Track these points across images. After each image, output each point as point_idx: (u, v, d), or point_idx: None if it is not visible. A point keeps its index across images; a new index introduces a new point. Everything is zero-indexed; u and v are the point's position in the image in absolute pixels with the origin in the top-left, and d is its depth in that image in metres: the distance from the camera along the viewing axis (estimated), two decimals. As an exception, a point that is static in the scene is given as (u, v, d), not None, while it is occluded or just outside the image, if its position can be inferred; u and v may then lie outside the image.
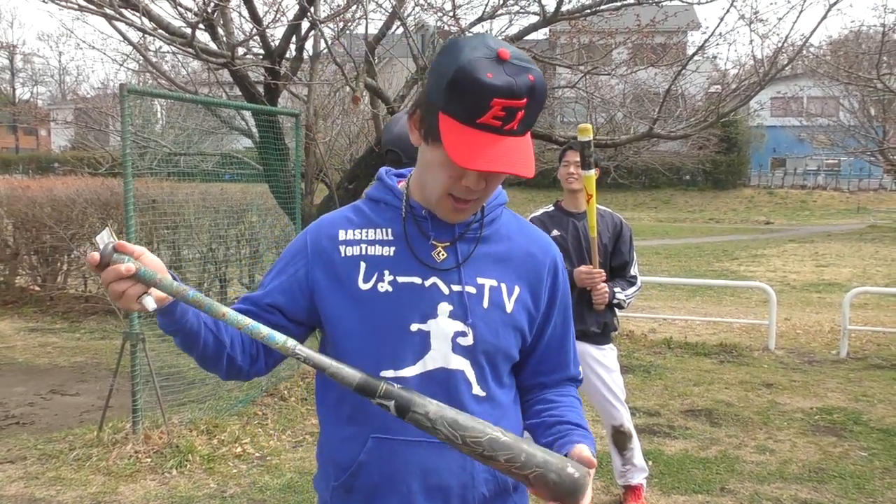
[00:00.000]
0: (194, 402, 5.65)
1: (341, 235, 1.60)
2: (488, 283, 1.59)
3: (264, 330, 1.35)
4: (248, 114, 8.93)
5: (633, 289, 4.17)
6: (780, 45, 8.30)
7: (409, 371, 1.53)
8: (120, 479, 4.54)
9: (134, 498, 4.32)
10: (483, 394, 1.57)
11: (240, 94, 7.56)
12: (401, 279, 1.54)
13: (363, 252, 1.57)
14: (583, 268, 3.96)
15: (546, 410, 1.66)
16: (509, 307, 1.60)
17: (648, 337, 8.64)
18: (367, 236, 1.60)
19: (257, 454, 4.98)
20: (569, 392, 1.72)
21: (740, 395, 6.47)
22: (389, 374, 1.51)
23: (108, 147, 16.83)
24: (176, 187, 9.19)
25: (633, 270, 4.22)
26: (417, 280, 1.55)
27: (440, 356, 1.54)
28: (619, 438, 4.20)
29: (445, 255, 1.58)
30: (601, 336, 4.10)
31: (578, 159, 3.99)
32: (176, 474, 4.63)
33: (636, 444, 4.24)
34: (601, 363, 4.11)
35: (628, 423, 4.20)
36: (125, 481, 4.52)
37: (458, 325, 1.54)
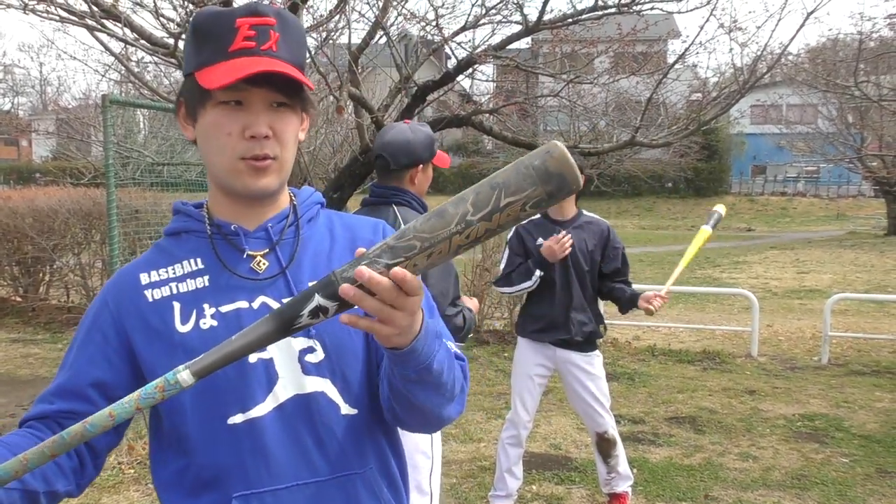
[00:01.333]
0: (178, 414, 5.63)
1: (143, 279, 1.38)
2: None
3: (138, 392, 1.03)
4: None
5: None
6: (759, 53, 8.40)
7: (261, 409, 1.30)
8: (103, 491, 4.51)
9: (118, 511, 4.30)
10: (355, 411, 1.36)
11: (223, 103, 7.53)
12: (224, 308, 1.33)
13: (174, 291, 1.36)
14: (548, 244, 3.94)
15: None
16: None
17: (632, 344, 8.68)
18: (174, 273, 1.38)
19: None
20: None
21: (723, 402, 6.51)
22: (239, 419, 1.29)
23: (91, 157, 16.75)
24: (159, 197, 9.15)
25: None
26: (244, 304, 1.34)
27: (291, 382, 1.32)
28: (604, 445, 4.22)
29: (266, 262, 1.38)
30: (585, 344, 4.12)
31: None
32: (160, 486, 4.60)
33: (621, 452, 4.26)
34: (585, 370, 4.13)
35: (613, 430, 4.22)
36: (108, 493, 4.50)
37: (302, 342, 1.34)
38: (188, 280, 1.37)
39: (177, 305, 1.34)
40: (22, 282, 10.57)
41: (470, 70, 8.43)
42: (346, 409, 1.36)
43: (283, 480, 1.30)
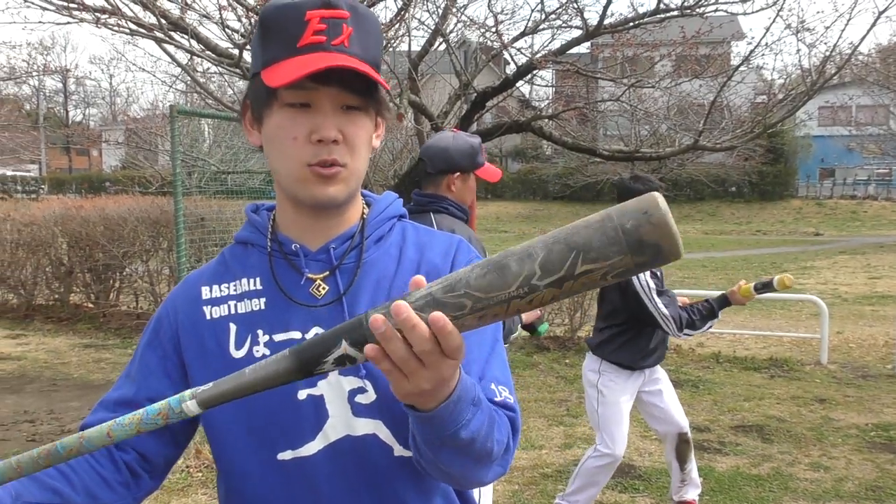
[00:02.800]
0: (243, 418, 5.73)
1: (205, 293, 1.31)
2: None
3: (140, 413, 0.94)
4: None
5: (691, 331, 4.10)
6: (827, 53, 8.20)
7: (311, 447, 1.22)
8: (172, 493, 4.61)
9: (186, 512, 4.39)
10: (409, 453, 1.19)
11: (286, 112, 7.66)
12: (278, 338, 1.24)
13: (232, 311, 1.28)
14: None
15: None
16: None
17: (696, 351, 8.53)
18: (234, 290, 1.30)
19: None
20: None
21: (792, 410, 6.35)
22: (287, 455, 1.22)
23: (158, 166, 17.22)
24: (224, 205, 9.35)
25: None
26: (297, 335, 1.24)
27: (341, 423, 1.22)
28: (684, 448, 4.14)
29: (326, 287, 1.27)
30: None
31: None
32: (226, 489, 4.68)
33: (693, 458, 4.21)
34: (660, 378, 4.10)
35: (689, 433, 4.18)
36: (177, 495, 4.59)
37: (353, 381, 1.23)
38: (246, 300, 1.28)
39: (233, 328, 1.27)
40: (93, 288, 10.89)
41: (529, 76, 8.42)
42: (399, 450, 1.23)
43: None
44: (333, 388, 1.23)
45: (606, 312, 4.05)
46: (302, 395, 1.22)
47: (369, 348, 0.90)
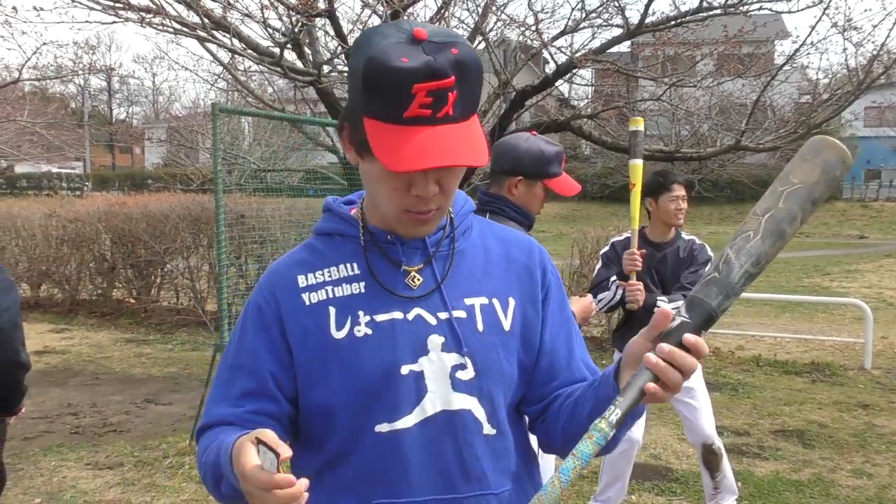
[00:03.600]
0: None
1: (301, 281, 1.38)
2: (478, 302, 1.38)
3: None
4: (332, 130, 9.11)
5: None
6: (875, 52, 8.04)
7: (407, 421, 1.31)
8: (200, 483, 4.65)
9: (224, 506, 4.43)
10: (494, 431, 1.36)
11: (325, 110, 7.72)
12: (379, 317, 1.33)
13: (330, 295, 1.35)
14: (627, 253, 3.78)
15: (567, 396, 1.41)
16: (507, 324, 1.39)
17: (736, 354, 8.42)
18: (330, 276, 1.37)
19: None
20: None
21: (834, 415, 6.23)
22: (385, 428, 1.30)
23: (198, 164, 17.44)
24: (263, 202, 9.44)
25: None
26: (399, 315, 1.33)
27: (440, 397, 1.32)
28: (711, 458, 4.08)
29: (421, 279, 1.37)
30: None
31: (684, 192, 3.92)
32: (263, 484, 4.72)
33: (727, 466, 4.12)
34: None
35: (718, 441, 4.09)
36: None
37: (455, 358, 1.33)
38: (344, 285, 1.36)
39: (332, 310, 1.34)
40: (135, 284, 11.07)
41: (569, 75, 8.37)
42: (487, 429, 1.35)
43: (422, 493, 1.30)
44: (434, 365, 1.32)
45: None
46: (405, 370, 1.31)
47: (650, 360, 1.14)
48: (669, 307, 1.18)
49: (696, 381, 4.04)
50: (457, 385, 1.32)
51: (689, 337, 1.13)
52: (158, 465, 5.01)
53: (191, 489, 4.64)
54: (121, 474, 4.91)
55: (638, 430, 4.04)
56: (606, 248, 4.15)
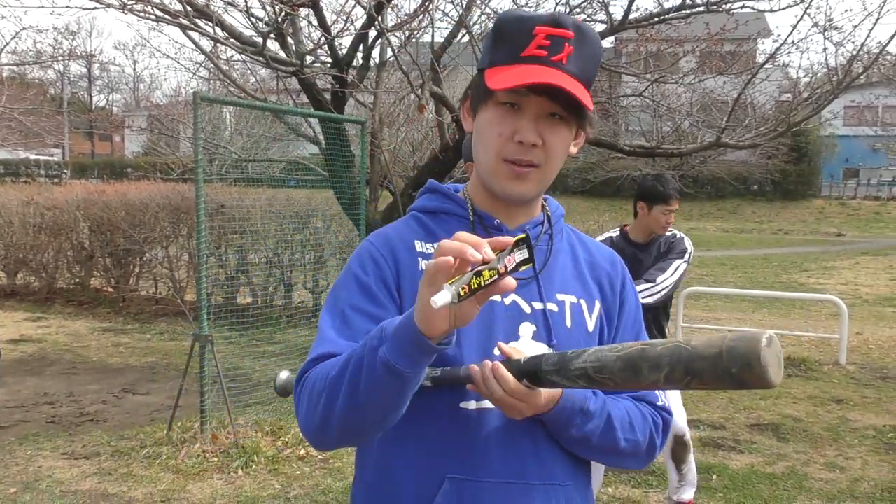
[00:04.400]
0: (260, 404, 5.77)
1: (418, 247, 1.40)
2: (568, 299, 1.42)
3: None
4: (314, 121, 9.10)
5: (647, 286, 3.85)
6: (855, 52, 8.10)
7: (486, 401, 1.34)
8: (188, 478, 4.65)
9: (201, 496, 4.43)
10: None
11: (307, 101, 7.70)
12: None
13: None
14: None
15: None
16: (591, 325, 1.44)
17: (714, 349, 8.49)
18: None
19: (320, 456, 5.05)
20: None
21: (809, 410, 6.31)
22: (471, 405, 1.33)
23: (179, 153, 17.29)
24: (244, 193, 9.42)
25: (660, 276, 3.86)
26: (497, 298, 1.33)
27: None
28: (679, 450, 4.11)
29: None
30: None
31: (677, 206, 3.95)
32: (242, 474, 4.73)
33: (692, 459, 4.17)
34: None
35: (689, 433, 4.13)
36: (193, 479, 4.64)
37: (542, 348, 1.36)
38: None
39: None
40: (114, 273, 10.99)
41: (552, 69, 8.36)
42: None
43: (496, 475, 1.32)
44: (528, 352, 1.33)
45: None
46: (496, 352, 1.32)
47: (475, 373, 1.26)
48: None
49: None
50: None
51: (495, 364, 1.24)
52: (135, 455, 4.99)
53: (168, 479, 4.63)
54: (97, 464, 4.89)
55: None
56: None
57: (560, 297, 1.42)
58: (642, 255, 3.99)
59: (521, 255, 1.07)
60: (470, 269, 1.04)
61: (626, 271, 1.56)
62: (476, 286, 1.03)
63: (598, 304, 1.47)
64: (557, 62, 1.28)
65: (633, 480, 4.75)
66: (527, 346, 1.36)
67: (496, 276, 1.04)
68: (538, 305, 1.39)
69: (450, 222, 1.44)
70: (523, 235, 1.08)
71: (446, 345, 1.13)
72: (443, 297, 1.01)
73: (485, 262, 1.04)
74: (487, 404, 1.32)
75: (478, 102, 1.37)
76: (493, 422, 1.33)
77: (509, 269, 1.06)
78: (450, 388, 1.32)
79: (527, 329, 1.37)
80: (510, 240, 1.07)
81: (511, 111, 1.31)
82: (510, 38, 1.30)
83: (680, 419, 4.06)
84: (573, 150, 1.42)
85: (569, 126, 1.35)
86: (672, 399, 4.02)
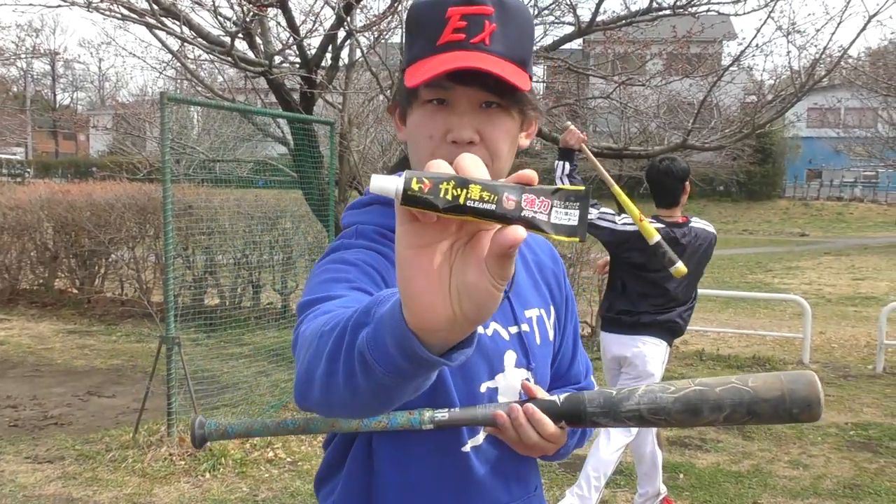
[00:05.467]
0: (227, 407, 5.73)
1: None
2: (534, 314, 1.35)
3: (385, 421, 1.17)
4: (283, 121, 9.05)
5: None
6: (817, 56, 8.24)
7: (479, 438, 1.29)
8: (155, 481, 4.61)
9: (168, 500, 4.39)
10: None
11: (276, 101, 7.66)
12: None
13: None
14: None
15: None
16: (551, 334, 1.39)
17: (680, 348, 8.57)
18: None
19: (289, 459, 5.03)
20: None
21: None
22: (466, 448, 1.28)
23: (146, 152, 17.13)
24: (211, 193, 9.33)
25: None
26: (480, 329, 0.96)
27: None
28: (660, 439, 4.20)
29: None
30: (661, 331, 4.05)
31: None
32: (209, 477, 4.69)
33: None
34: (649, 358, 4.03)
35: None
36: (160, 483, 4.59)
37: (523, 373, 1.30)
38: None
39: None
40: (78, 274, 10.83)
41: (521, 70, 8.40)
42: None
43: (487, 502, 1.30)
44: (508, 381, 1.29)
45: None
46: (483, 388, 1.26)
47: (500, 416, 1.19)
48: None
49: (657, 371, 4.10)
50: (522, 398, 1.28)
51: (530, 407, 1.18)
52: (101, 459, 4.93)
53: (134, 483, 4.58)
54: (62, 468, 4.82)
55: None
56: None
57: (528, 313, 1.34)
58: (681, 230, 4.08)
59: (562, 212, 0.73)
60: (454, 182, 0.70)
61: (562, 263, 1.50)
62: (452, 197, 0.69)
63: (552, 310, 1.41)
64: (479, 44, 1.12)
65: (601, 480, 4.78)
66: (512, 375, 1.29)
67: (493, 209, 0.70)
68: (514, 329, 1.31)
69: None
70: (581, 188, 0.74)
71: (465, 348, 0.79)
72: (385, 182, 0.71)
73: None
74: (476, 441, 1.27)
75: (405, 107, 1.23)
76: (480, 458, 1.28)
77: (524, 214, 0.71)
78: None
79: (510, 357, 1.29)
80: (546, 188, 0.73)
81: (439, 109, 1.16)
82: (424, 29, 1.15)
83: None
84: (524, 141, 1.26)
85: (510, 114, 1.18)
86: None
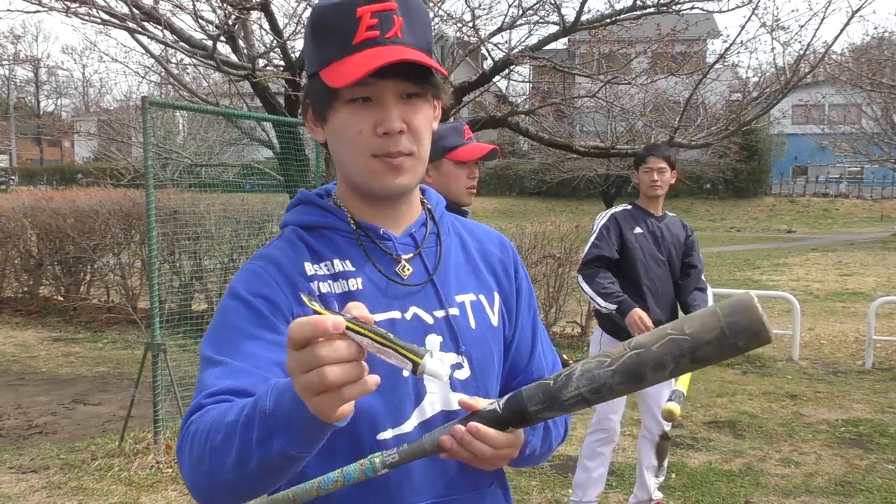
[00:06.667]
0: (215, 413, 5.67)
1: (309, 269, 1.28)
2: (468, 298, 1.35)
3: (319, 480, 1.05)
4: (268, 125, 9.00)
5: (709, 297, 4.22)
6: (802, 52, 8.26)
7: (409, 424, 1.26)
8: (141, 490, 4.55)
9: (155, 509, 4.34)
10: None
11: (261, 105, 7.61)
12: (379, 317, 1.25)
13: (333, 289, 1.27)
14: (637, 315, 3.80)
15: None
16: (494, 320, 1.38)
17: (670, 347, 8.58)
18: (328, 270, 1.29)
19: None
20: None
21: (764, 406, 6.40)
22: (388, 434, 1.25)
23: (131, 158, 17.04)
24: (197, 198, 9.25)
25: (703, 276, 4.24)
26: (397, 314, 1.27)
27: (439, 398, 1.29)
28: (664, 446, 4.15)
29: (411, 269, 1.32)
30: None
31: (663, 165, 3.97)
32: (197, 485, 4.63)
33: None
34: None
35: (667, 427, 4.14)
36: (146, 491, 4.54)
37: (453, 357, 1.30)
38: (342, 280, 1.28)
39: (336, 307, 1.24)
40: (63, 281, 10.75)
41: (506, 71, 8.40)
42: None
43: (423, 497, 1.27)
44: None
45: None
46: (405, 373, 1.22)
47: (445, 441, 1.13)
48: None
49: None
50: (454, 385, 1.30)
51: (473, 426, 1.12)
52: (86, 468, 4.86)
53: (120, 492, 4.52)
54: (46, 478, 4.75)
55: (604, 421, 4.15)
56: (604, 218, 4.10)
57: (459, 298, 1.34)
58: (661, 228, 4.07)
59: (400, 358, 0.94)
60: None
61: (517, 255, 1.49)
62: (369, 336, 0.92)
63: (496, 296, 1.40)
64: (393, 38, 1.19)
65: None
66: (437, 354, 1.27)
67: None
68: (440, 313, 1.31)
69: (334, 239, 1.32)
70: (411, 362, 0.95)
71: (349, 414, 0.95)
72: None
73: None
74: (403, 429, 1.25)
75: (324, 109, 1.26)
76: (411, 440, 1.24)
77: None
78: (361, 420, 1.21)
79: (433, 341, 1.29)
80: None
81: (364, 106, 1.22)
82: (334, 29, 1.20)
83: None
84: (435, 124, 1.33)
85: (428, 101, 1.27)
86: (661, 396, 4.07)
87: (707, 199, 37.76)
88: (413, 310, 1.29)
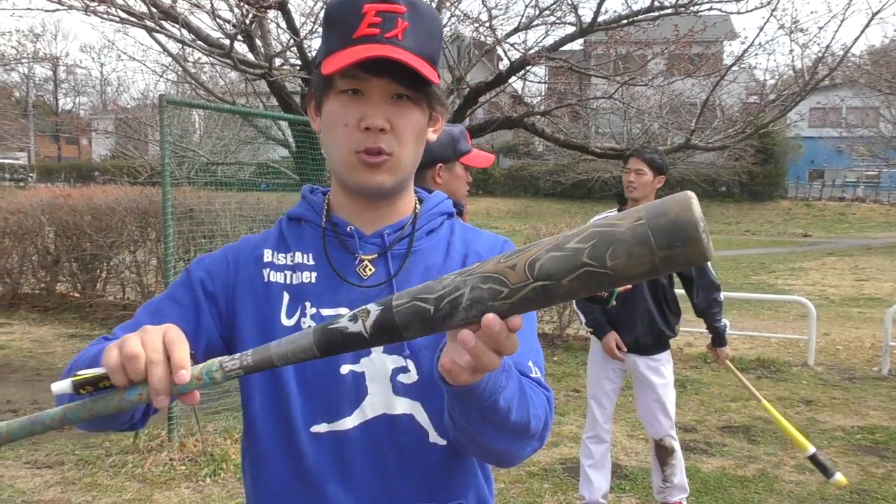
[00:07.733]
0: (229, 411, 5.68)
1: (267, 256, 1.34)
2: None
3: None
4: (284, 124, 9.02)
5: (721, 307, 4.46)
6: (820, 54, 8.20)
7: (347, 423, 1.25)
8: (155, 487, 4.57)
9: (168, 506, 4.35)
10: (444, 442, 1.27)
11: (277, 104, 7.64)
12: (325, 311, 1.27)
13: (287, 280, 1.31)
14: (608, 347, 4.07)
15: None
16: None
17: (684, 351, 8.53)
18: (289, 261, 1.33)
19: (290, 464, 4.99)
20: None
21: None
22: (322, 428, 1.25)
23: (147, 156, 17.13)
24: (213, 196, 9.29)
25: (714, 278, 4.47)
26: (344, 311, 1.23)
27: (380, 401, 1.26)
28: (661, 452, 4.15)
29: (373, 269, 1.31)
30: (654, 347, 4.13)
31: (641, 166, 4.01)
32: (210, 482, 4.65)
33: (679, 462, 4.18)
34: (653, 370, 4.11)
35: (670, 438, 4.14)
36: (160, 488, 4.56)
37: (396, 360, 1.27)
38: (298, 272, 1.31)
39: (286, 296, 1.29)
40: (80, 278, 10.81)
41: (522, 72, 8.39)
42: (434, 436, 1.27)
43: (361, 497, 1.25)
44: (376, 366, 1.27)
45: None
46: (344, 370, 1.26)
47: (466, 337, 0.90)
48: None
49: (665, 374, 4.12)
50: (398, 389, 1.26)
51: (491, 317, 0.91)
52: (100, 464, 4.89)
53: (134, 488, 4.54)
54: (61, 473, 4.78)
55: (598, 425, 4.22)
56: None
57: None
58: None
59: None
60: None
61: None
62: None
63: None
64: (392, 38, 1.21)
65: (605, 484, 4.74)
66: (379, 359, 1.26)
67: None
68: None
69: (304, 230, 1.37)
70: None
71: None
72: (59, 386, 1.03)
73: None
74: (340, 426, 1.25)
75: (321, 98, 1.31)
76: (350, 444, 1.25)
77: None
78: (291, 411, 1.24)
79: None
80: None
81: (354, 99, 1.25)
82: (340, 23, 1.24)
83: (661, 424, 4.11)
84: (432, 136, 1.35)
85: (419, 107, 1.28)
86: (665, 404, 4.11)
87: (723, 202, 37.54)
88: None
